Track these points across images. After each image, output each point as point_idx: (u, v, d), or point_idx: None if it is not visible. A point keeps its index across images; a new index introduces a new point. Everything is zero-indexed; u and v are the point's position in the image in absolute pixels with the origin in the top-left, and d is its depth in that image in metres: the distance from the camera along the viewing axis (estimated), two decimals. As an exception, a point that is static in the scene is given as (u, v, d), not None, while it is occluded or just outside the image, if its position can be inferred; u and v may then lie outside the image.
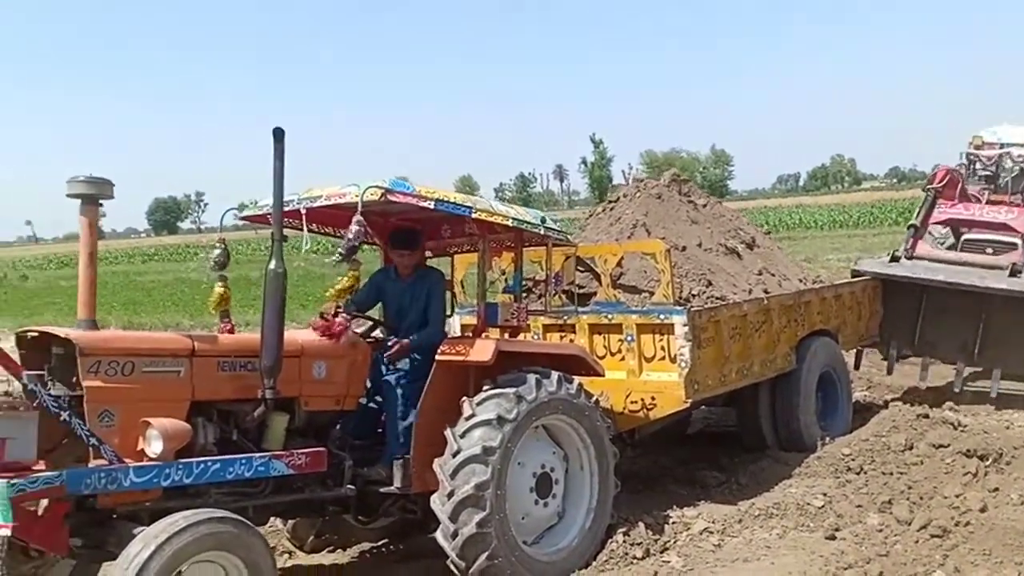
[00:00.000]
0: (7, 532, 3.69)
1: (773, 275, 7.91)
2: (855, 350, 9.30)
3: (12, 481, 3.72)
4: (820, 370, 7.84)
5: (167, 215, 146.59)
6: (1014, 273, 8.77)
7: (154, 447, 4.23)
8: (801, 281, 8.27)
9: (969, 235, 10.28)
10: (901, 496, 6.03)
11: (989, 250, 9.71)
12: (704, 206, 8.18)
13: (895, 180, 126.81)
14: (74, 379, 4.24)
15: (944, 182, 9.86)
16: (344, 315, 5.32)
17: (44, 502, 3.93)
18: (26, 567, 4.64)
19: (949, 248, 10.44)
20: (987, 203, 10.77)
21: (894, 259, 9.37)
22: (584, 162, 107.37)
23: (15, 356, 4.27)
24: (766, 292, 7.45)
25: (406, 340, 5.46)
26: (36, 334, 4.46)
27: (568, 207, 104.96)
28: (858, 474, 6.66)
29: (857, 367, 9.65)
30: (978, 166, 12.12)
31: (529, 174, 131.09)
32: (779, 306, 7.36)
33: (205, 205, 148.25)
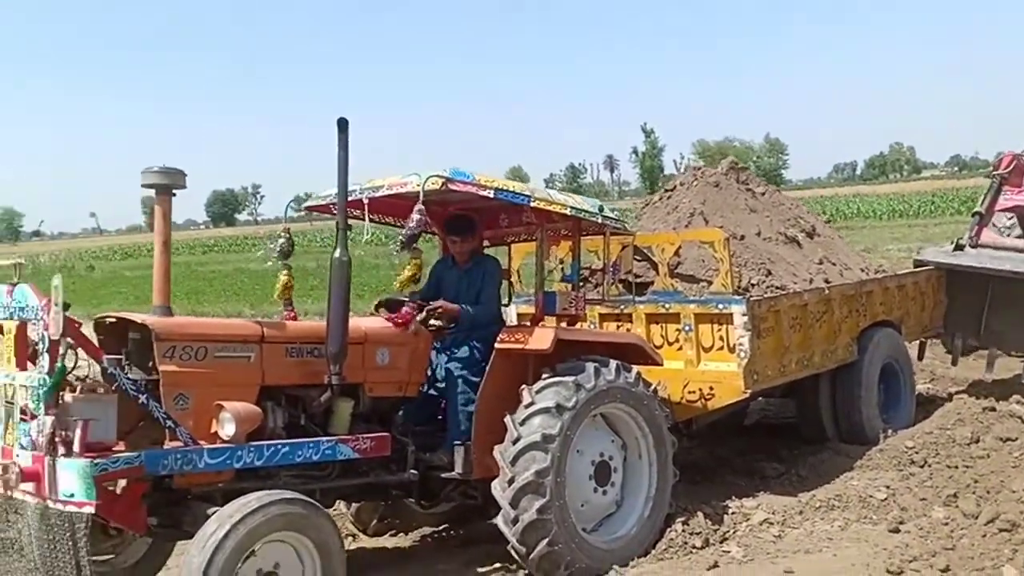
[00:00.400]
0: (91, 509, 3.82)
1: (834, 264, 7.80)
2: (918, 341, 9.11)
3: (95, 461, 3.86)
4: (882, 362, 7.71)
5: (225, 207, 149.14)
6: None
7: (227, 430, 4.36)
8: (863, 271, 8.14)
9: None
10: (967, 490, 5.90)
11: None
12: (763, 194, 8.09)
13: (956, 168, 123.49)
14: (150, 363, 4.37)
15: (1010, 168, 9.57)
16: (410, 304, 5.41)
17: (123, 482, 4.07)
18: (105, 545, 4.85)
19: (1018, 238, 10.15)
20: None
21: (958, 248, 9.15)
22: (635, 152, 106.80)
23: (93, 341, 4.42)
24: (827, 282, 7.35)
25: (455, 306, 5.53)
26: (113, 320, 4.62)
27: (618, 197, 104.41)
28: (922, 467, 6.54)
29: (920, 358, 9.44)
30: (1045, 152, 11.73)
31: (579, 164, 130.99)
32: (840, 296, 7.25)
33: (261, 197, 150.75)
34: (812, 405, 7.53)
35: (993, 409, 7.22)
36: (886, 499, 6.01)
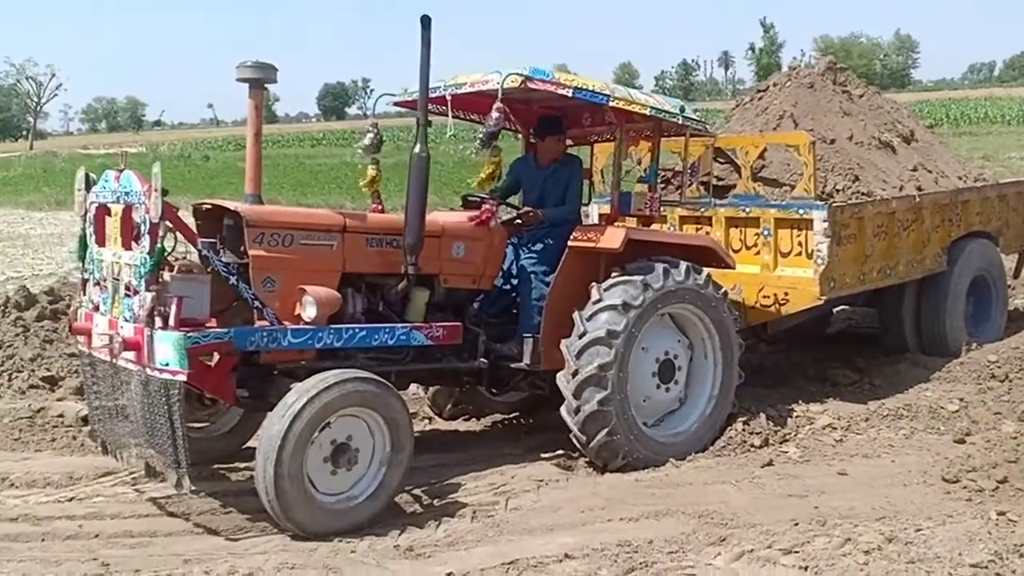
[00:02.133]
0: (183, 377, 4.22)
1: (929, 172, 7.48)
2: (1017, 254, 8.70)
3: (188, 334, 4.24)
4: (973, 274, 7.48)
5: (335, 101, 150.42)
6: None
7: (309, 312, 4.68)
8: (961, 179, 7.78)
9: None
10: (1045, 406, 5.80)
11: None
12: (861, 97, 7.76)
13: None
14: (242, 248, 4.70)
15: None
16: (490, 202, 5.57)
17: (216, 356, 4.46)
18: (202, 414, 5.36)
19: None
20: None
21: None
22: (752, 48, 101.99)
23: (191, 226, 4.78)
24: (919, 189, 7.10)
25: (539, 210, 5.68)
26: (209, 207, 4.96)
27: (731, 97, 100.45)
28: (1002, 382, 6.42)
29: (1017, 276, 9.03)
30: None
31: (692, 61, 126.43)
32: (932, 204, 7.01)
33: (371, 91, 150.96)
34: (895, 314, 7.40)
35: (1089, 327, 6.97)
36: (957, 411, 5.95)
